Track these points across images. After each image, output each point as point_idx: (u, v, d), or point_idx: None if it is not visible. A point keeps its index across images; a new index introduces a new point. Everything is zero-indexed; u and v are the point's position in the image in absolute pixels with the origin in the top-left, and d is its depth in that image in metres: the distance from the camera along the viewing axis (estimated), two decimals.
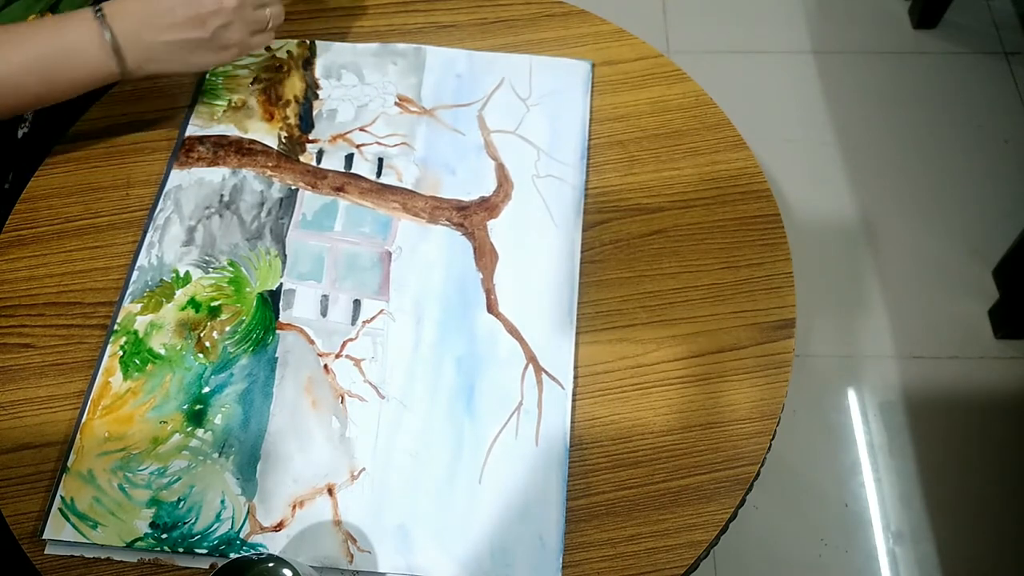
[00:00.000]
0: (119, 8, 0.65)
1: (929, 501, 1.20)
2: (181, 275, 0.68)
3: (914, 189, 1.46)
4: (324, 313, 0.67)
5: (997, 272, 1.35)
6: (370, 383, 0.64)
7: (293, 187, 0.73)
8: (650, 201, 0.72)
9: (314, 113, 0.77)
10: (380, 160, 0.74)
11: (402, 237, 0.70)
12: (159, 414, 0.63)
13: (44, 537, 0.58)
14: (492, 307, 0.66)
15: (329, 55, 0.80)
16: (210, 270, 0.69)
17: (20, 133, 0.78)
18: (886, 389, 1.29)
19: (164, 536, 0.58)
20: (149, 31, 0.65)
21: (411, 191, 0.72)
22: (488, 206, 0.71)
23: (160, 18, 0.65)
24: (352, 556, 0.58)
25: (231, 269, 0.69)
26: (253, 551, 0.58)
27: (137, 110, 0.78)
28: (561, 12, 0.83)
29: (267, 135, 0.75)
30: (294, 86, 0.78)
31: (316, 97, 0.78)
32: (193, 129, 0.76)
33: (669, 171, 0.73)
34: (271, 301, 0.67)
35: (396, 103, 0.77)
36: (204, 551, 0.58)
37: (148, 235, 0.70)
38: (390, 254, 0.69)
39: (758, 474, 0.61)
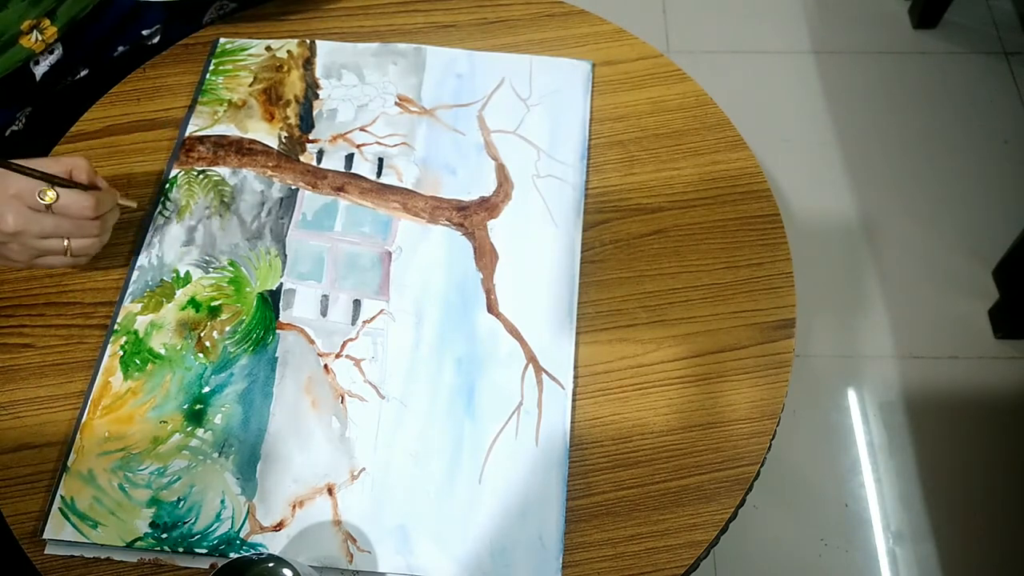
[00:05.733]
0: None
1: (929, 501, 1.20)
2: (181, 275, 0.68)
3: (914, 189, 1.46)
4: (324, 313, 0.67)
5: (997, 272, 1.35)
6: (370, 383, 0.64)
7: (293, 187, 0.73)
8: (650, 201, 0.72)
9: (314, 113, 0.77)
10: (380, 160, 0.74)
11: (402, 237, 0.70)
12: (159, 414, 0.63)
13: (44, 537, 0.58)
14: (492, 307, 0.66)
15: (329, 55, 0.80)
16: (210, 270, 0.69)
17: (9, 131, 0.78)
18: (886, 389, 1.29)
19: (164, 536, 0.58)
20: None
21: (411, 191, 0.72)
22: (488, 206, 0.71)
23: None
24: (352, 556, 0.58)
25: (231, 269, 0.69)
26: (253, 551, 0.58)
27: (137, 110, 0.78)
28: (561, 12, 0.83)
29: (267, 135, 0.75)
30: (294, 86, 0.78)
31: (316, 97, 0.78)
32: (193, 129, 0.76)
33: (669, 171, 0.73)
34: (271, 301, 0.67)
35: (396, 103, 0.77)
36: (204, 551, 0.58)
37: (148, 235, 0.70)
38: (390, 254, 0.69)
39: (758, 474, 0.61)
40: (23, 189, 0.60)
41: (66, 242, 0.63)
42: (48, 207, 0.61)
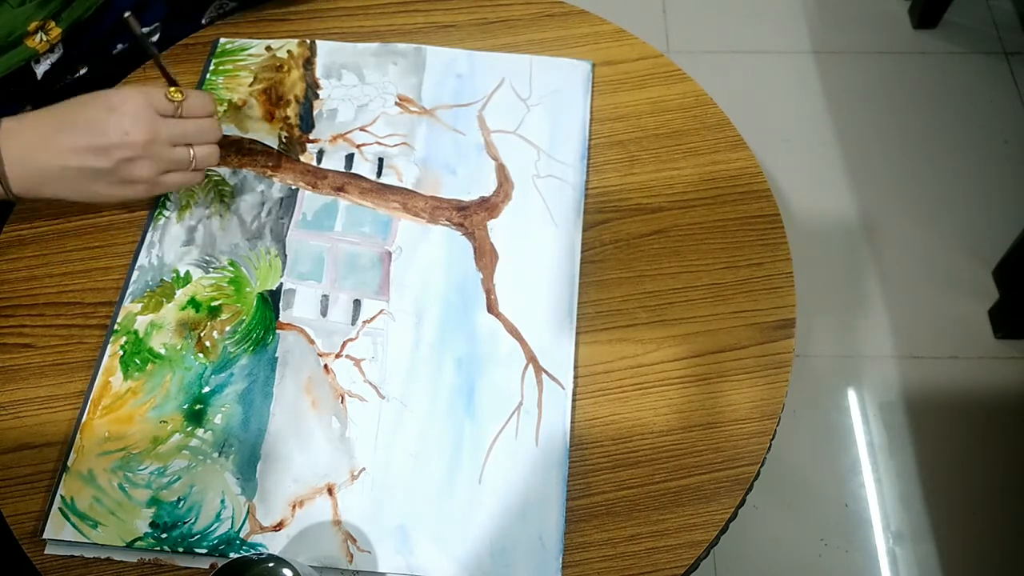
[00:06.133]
0: (17, 125, 0.58)
1: (929, 501, 1.20)
2: (181, 275, 0.68)
3: (914, 189, 1.46)
4: (324, 313, 0.67)
5: (997, 272, 1.35)
6: (370, 383, 0.64)
7: (293, 187, 0.73)
8: (650, 201, 0.72)
9: (314, 113, 0.77)
10: (380, 160, 0.74)
11: (402, 237, 0.70)
12: (159, 414, 0.63)
13: (44, 537, 0.58)
14: (492, 307, 0.66)
15: (329, 55, 0.80)
16: (210, 270, 0.69)
17: None
18: (886, 389, 1.29)
19: (164, 536, 0.58)
20: (45, 153, 0.58)
21: (411, 191, 0.72)
22: (488, 206, 0.71)
23: (60, 140, 0.58)
24: (352, 556, 0.58)
25: (231, 269, 0.69)
26: (253, 551, 0.58)
27: None
28: (561, 12, 0.83)
29: (267, 135, 0.75)
30: (294, 86, 0.78)
31: (316, 97, 0.78)
32: None
33: (669, 171, 0.73)
34: (271, 301, 0.67)
35: (396, 103, 0.77)
36: (204, 551, 0.58)
37: (148, 235, 0.70)
38: (390, 254, 0.69)
39: (758, 474, 0.61)
40: (150, 95, 0.61)
41: (192, 152, 0.64)
42: (177, 107, 0.62)
